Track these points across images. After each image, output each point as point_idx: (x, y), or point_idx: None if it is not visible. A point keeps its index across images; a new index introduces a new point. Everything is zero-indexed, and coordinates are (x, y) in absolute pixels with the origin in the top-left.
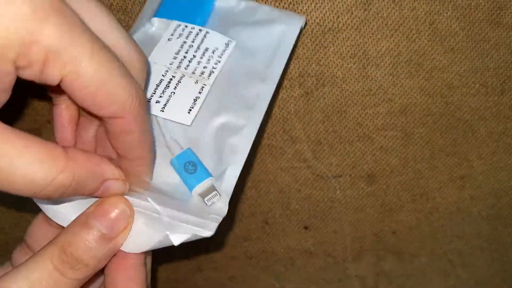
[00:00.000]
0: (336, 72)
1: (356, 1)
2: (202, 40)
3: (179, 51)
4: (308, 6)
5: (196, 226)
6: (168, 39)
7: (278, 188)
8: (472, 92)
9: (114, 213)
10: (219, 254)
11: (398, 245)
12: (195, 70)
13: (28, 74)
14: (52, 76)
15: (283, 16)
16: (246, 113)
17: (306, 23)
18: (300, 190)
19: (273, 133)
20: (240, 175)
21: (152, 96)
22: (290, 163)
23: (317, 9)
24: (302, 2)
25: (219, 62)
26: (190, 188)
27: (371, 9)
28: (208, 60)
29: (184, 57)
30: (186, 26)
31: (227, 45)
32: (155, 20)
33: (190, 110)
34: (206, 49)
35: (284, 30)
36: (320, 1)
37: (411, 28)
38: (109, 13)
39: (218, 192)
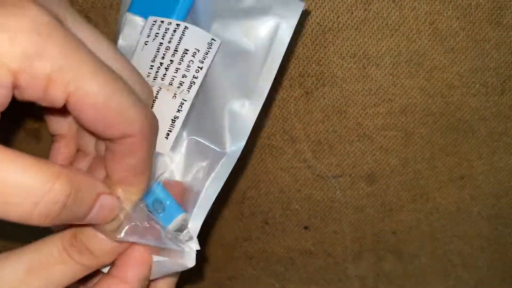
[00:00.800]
0: (336, 72)
1: (356, 1)
2: (180, 38)
3: (155, 56)
4: (308, 6)
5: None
6: (145, 43)
7: (278, 188)
8: (472, 92)
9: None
10: (219, 254)
11: (398, 245)
12: (173, 80)
13: (31, 94)
14: (56, 96)
15: (277, 3)
16: (225, 140)
17: (306, 12)
18: (300, 190)
19: (273, 133)
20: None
21: None
22: (290, 163)
23: (317, 9)
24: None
25: (201, 69)
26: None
27: (371, 9)
28: (188, 66)
29: (161, 64)
30: (162, 22)
31: (210, 45)
32: (128, 16)
33: (168, 134)
34: (185, 52)
35: (277, 25)
36: (320, 1)
37: (411, 28)
38: (111, 43)
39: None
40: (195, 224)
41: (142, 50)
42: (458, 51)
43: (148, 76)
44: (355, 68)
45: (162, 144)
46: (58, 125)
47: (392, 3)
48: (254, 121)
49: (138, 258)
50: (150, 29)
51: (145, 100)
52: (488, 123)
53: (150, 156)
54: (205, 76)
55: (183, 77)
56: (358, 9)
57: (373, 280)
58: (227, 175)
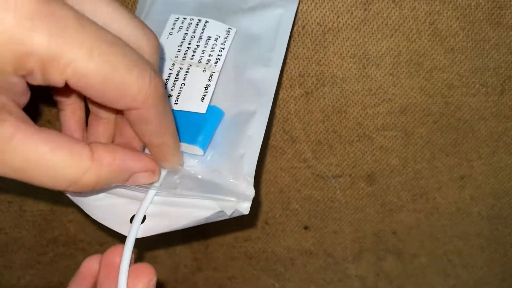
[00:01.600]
0: (336, 72)
1: (356, 1)
2: (203, 29)
3: (182, 43)
4: (308, 6)
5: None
6: (169, 34)
7: (278, 188)
8: (472, 92)
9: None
10: (219, 254)
11: (398, 245)
12: (201, 59)
13: (33, 80)
14: (55, 80)
15: (277, 1)
16: (256, 99)
17: (300, 2)
18: (300, 190)
19: (273, 133)
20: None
21: None
22: (290, 163)
23: (317, 9)
24: (302, 2)
25: (223, 49)
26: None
27: (371, 9)
28: (212, 48)
29: (188, 47)
30: (184, 18)
31: (228, 32)
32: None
33: (203, 98)
34: (209, 38)
35: (280, 14)
36: (320, 1)
37: (411, 28)
38: (112, 0)
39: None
40: (249, 167)
41: (167, 39)
42: (458, 51)
43: (176, 56)
44: (355, 68)
45: (199, 106)
46: (63, 98)
47: (392, 3)
48: (277, 80)
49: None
50: (174, 23)
51: (151, 52)
52: (488, 123)
53: (165, 119)
54: (226, 57)
55: (209, 56)
56: (358, 9)
57: (373, 280)
58: (264, 128)
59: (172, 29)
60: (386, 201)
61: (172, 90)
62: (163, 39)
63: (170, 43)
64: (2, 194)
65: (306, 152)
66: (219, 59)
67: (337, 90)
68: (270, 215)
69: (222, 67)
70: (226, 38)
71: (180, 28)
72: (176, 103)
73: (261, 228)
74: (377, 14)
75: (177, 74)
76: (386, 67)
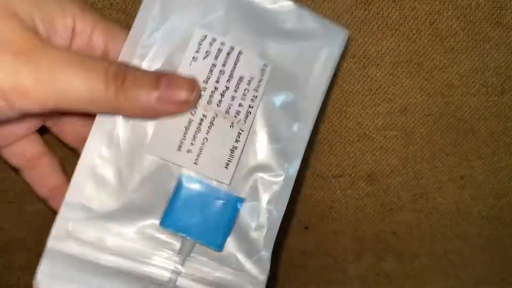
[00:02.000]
0: (336, 72)
1: (356, 1)
2: (235, 63)
3: (208, 78)
4: (308, 6)
5: None
6: (193, 59)
7: None
8: (472, 92)
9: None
10: None
11: (398, 245)
12: (229, 108)
13: None
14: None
15: (322, 30)
16: (281, 164)
17: (348, 40)
18: (300, 190)
19: None
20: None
21: (181, 143)
22: None
23: (317, 9)
24: (302, 2)
25: (256, 97)
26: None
27: (371, 9)
28: (244, 94)
29: (216, 88)
30: (214, 40)
31: (263, 71)
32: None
33: (228, 164)
34: (241, 79)
35: (322, 53)
36: (320, 1)
37: (411, 28)
38: None
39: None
40: (266, 249)
41: (189, 66)
42: (458, 51)
43: (201, 97)
44: (355, 68)
45: (222, 174)
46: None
47: (392, 3)
48: (307, 142)
49: None
50: (199, 44)
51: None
52: (488, 123)
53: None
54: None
55: (239, 106)
56: (358, 9)
57: (373, 280)
58: (287, 199)
59: (197, 52)
60: (386, 201)
61: (192, 144)
62: (185, 65)
63: (193, 73)
64: (2, 194)
65: (306, 152)
66: (250, 113)
67: (337, 90)
68: None
69: (252, 124)
70: (260, 82)
71: (207, 53)
72: (196, 163)
73: None
74: (377, 14)
75: (200, 124)
76: (386, 67)
